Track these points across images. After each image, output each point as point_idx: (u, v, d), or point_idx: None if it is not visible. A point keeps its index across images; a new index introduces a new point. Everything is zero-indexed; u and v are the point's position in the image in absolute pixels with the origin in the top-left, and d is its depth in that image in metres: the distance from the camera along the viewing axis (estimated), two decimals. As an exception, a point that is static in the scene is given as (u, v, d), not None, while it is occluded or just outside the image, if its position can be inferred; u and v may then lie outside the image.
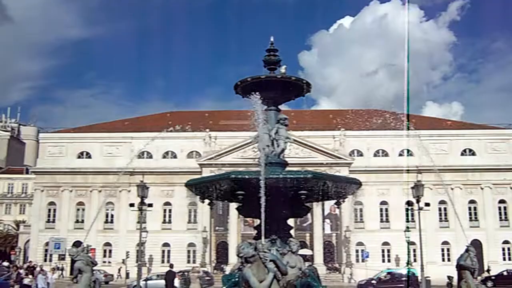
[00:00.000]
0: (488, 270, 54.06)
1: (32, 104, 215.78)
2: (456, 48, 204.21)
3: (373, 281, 44.92)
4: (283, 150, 13.67)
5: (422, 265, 36.11)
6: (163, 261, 63.60)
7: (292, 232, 14.17)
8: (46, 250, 62.35)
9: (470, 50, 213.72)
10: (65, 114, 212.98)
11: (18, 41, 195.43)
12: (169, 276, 30.19)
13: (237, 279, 11.73)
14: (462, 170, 64.33)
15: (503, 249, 65.13)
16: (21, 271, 34.34)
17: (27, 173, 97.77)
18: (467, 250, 13.49)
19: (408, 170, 61.92)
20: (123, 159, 63.04)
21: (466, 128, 69.83)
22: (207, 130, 65.42)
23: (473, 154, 66.78)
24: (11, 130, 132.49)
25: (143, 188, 36.35)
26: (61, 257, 53.30)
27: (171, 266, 33.45)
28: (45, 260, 61.01)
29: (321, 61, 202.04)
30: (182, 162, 65.88)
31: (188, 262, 62.46)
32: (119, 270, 58.40)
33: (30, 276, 29.75)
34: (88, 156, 68.32)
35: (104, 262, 62.55)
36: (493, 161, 65.54)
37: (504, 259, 64.26)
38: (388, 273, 45.50)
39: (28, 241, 70.99)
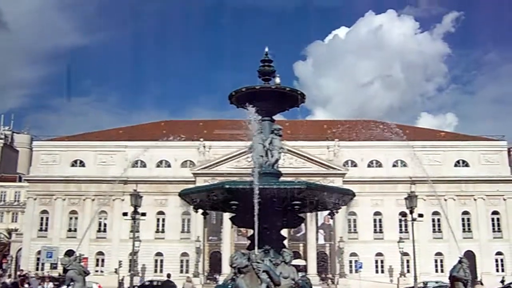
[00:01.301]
0: (481, 282, 54.06)
1: (26, 112, 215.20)
2: (451, 59, 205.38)
3: None
4: (277, 160, 13.69)
5: (415, 276, 36.15)
6: (155, 271, 63.32)
7: (285, 242, 14.16)
8: (38, 259, 61.82)
9: (464, 61, 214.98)
10: (59, 122, 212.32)
11: (13, 48, 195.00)
12: (166, 286, 30.12)
13: (230, 289, 11.71)
14: (455, 181, 64.50)
15: (496, 260, 65.21)
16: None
17: (20, 181, 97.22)
18: (460, 261, 13.51)
19: (401, 180, 62.19)
20: (117, 167, 62.83)
21: (460, 139, 70.13)
22: (201, 139, 65.40)
23: (467, 165, 67.00)
24: (5, 137, 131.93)
25: (136, 197, 36.26)
26: (53, 266, 52.94)
27: (169, 276, 33.42)
28: (37, 269, 60.50)
29: (316, 71, 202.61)
30: (176, 171, 65.76)
31: (181, 272, 62.17)
32: (123, 278, 56.34)
33: (26, 286, 29.54)
34: (82, 164, 68.09)
35: (97, 271, 62.10)
36: (487, 172, 65.77)
37: (497, 270, 64.32)
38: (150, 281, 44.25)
39: (20, 249, 70.44)
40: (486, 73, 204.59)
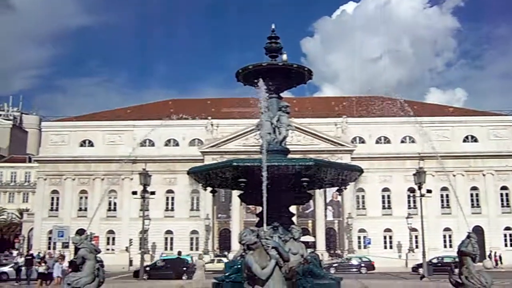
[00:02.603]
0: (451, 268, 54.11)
1: (35, 93, 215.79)
2: (460, 34, 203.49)
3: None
4: (285, 138, 13.70)
5: (424, 252, 36.30)
6: (166, 248, 63.96)
7: (294, 219, 14.25)
8: (50, 238, 62.57)
9: (474, 36, 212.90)
10: (67, 103, 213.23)
11: (21, 29, 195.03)
12: (177, 263, 30.42)
13: (239, 266, 11.84)
14: (464, 157, 64.31)
15: (505, 235, 65.31)
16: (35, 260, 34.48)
17: (29, 161, 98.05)
18: (468, 237, 13.48)
19: (410, 156, 62.07)
20: (126, 147, 63.14)
21: (468, 114, 69.69)
22: (209, 118, 65.40)
23: (475, 140, 66.72)
24: (14, 119, 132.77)
25: (145, 176, 36.45)
26: (65, 245, 53.51)
27: (179, 253, 33.74)
28: (49, 248, 61.28)
29: (324, 47, 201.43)
30: (184, 150, 65.97)
31: (191, 249, 62.76)
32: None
33: (44, 264, 29.90)
34: (91, 144, 68.42)
35: (108, 249, 62.86)
36: (495, 147, 65.49)
37: (506, 245, 64.50)
38: (163, 260, 44.74)
39: (31, 229, 71.35)
40: (496, 48, 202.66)
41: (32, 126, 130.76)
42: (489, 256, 58.12)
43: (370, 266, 48.29)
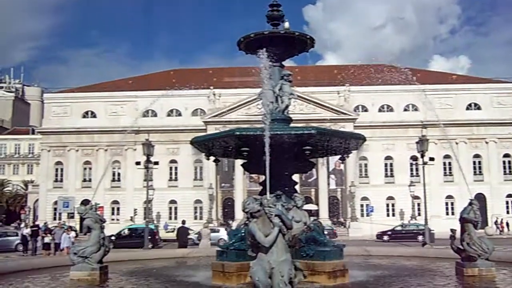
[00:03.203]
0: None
1: (36, 65, 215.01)
2: (465, 0, 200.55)
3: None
4: (287, 106, 13.68)
5: (426, 219, 36.55)
6: (170, 218, 64.52)
7: (297, 187, 14.33)
8: (55, 209, 63.16)
9: (478, 2, 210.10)
10: (69, 74, 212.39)
11: None
12: (181, 232, 30.68)
13: (243, 234, 11.97)
14: (467, 125, 64.21)
15: (507, 202, 65.64)
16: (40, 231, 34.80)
17: (33, 133, 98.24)
18: (470, 204, 13.60)
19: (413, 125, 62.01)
20: (128, 118, 63.16)
21: (472, 82, 69.27)
22: (211, 87, 65.18)
23: (479, 108, 66.50)
24: (15, 91, 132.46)
25: (148, 147, 36.51)
26: (70, 216, 54.03)
27: (183, 222, 33.99)
28: (54, 219, 61.82)
29: (326, 15, 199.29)
30: (187, 120, 65.99)
31: (195, 218, 63.31)
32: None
33: (49, 235, 30.27)
34: (93, 115, 68.45)
35: (113, 219, 63.45)
36: (499, 115, 65.30)
37: (508, 212, 64.87)
38: (129, 229, 45.17)
39: (37, 200, 71.95)
40: (501, 14, 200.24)
41: (34, 98, 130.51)
42: (495, 223, 58.68)
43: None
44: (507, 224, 59.72)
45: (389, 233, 49.43)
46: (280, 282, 7.91)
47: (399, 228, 51.01)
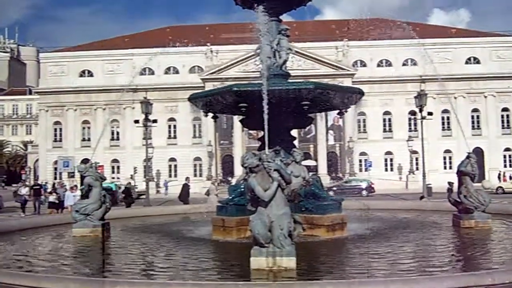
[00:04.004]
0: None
1: (30, 24, 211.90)
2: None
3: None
4: (285, 61, 13.59)
5: (424, 173, 36.81)
6: (170, 175, 64.95)
7: (295, 143, 14.40)
8: (56, 169, 63.48)
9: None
10: (64, 33, 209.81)
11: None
12: (184, 189, 31.06)
13: (242, 189, 12.10)
14: (466, 79, 63.89)
15: (504, 156, 66.04)
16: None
17: (30, 93, 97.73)
18: (468, 157, 13.71)
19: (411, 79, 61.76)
20: (125, 76, 62.71)
21: (471, 36, 68.58)
22: (208, 44, 64.55)
23: (478, 62, 66.07)
24: (11, 51, 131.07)
25: (146, 105, 36.40)
26: (70, 175, 54.31)
27: (187, 179, 34.30)
28: (55, 178, 62.22)
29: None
30: (185, 78, 65.63)
31: (195, 175, 63.70)
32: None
33: (54, 194, 30.45)
34: (90, 74, 68.01)
35: (113, 178, 63.77)
36: (497, 69, 64.90)
37: (505, 166, 65.31)
38: None
39: (37, 160, 72.27)
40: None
41: (30, 58, 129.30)
42: (498, 177, 59.25)
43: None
44: (510, 178, 60.10)
45: (335, 188, 49.16)
46: (280, 235, 8.03)
47: (343, 183, 51.15)
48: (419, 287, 6.19)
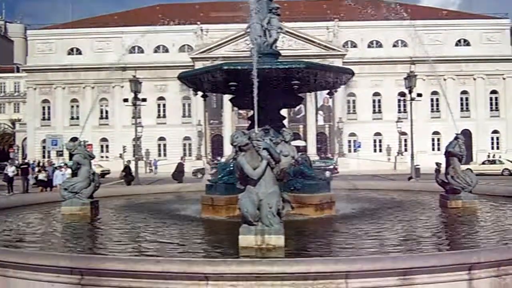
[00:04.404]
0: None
1: (17, 0, 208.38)
2: None
3: None
4: (275, 40, 13.51)
5: (412, 154, 37.07)
6: (159, 155, 64.96)
7: (285, 122, 14.40)
8: (44, 147, 63.15)
9: None
10: (52, 10, 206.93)
11: None
12: (179, 168, 31.17)
13: (231, 168, 12.12)
14: (455, 61, 64.11)
15: (492, 138, 66.61)
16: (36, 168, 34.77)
17: (18, 71, 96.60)
18: (456, 138, 13.76)
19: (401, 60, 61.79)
20: (114, 54, 62.24)
21: (462, 18, 68.68)
22: (198, 23, 64.06)
23: (468, 44, 66.24)
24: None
25: (136, 83, 36.21)
26: (59, 154, 54.04)
27: (182, 158, 34.41)
28: (44, 157, 61.96)
29: None
30: (174, 56, 65.27)
31: (184, 155, 63.61)
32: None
33: (43, 172, 30.35)
34: (79, 52, 67.38)
35: (102, 157, 63.70)
36: (487, 51, 65.15)
37: (493, 148, 65.90)
38: None
39: (25, 139, 71.79)
40: None
41: (18, 35, 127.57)
42: (488, 158, 59.70)
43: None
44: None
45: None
46: (268, 213, 8.06)
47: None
48: (406, 265, 6.25)
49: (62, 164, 30.63)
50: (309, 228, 10.74)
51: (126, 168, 33.33)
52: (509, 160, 51.30)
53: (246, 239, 8.02)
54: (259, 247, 7.91)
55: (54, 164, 32.88)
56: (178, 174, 30.50)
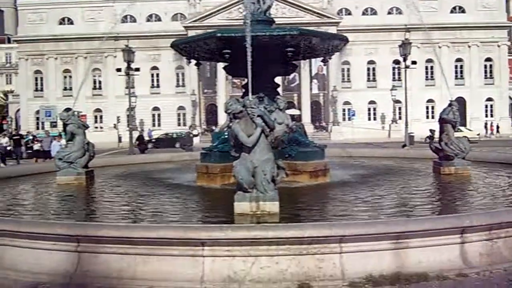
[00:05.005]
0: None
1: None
2: None
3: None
4: (269, 7, 13.37)
5: (406, 122, 37.16)
6: (154, 125, 64.76)
7: (279, 90, 14.37)
8: (38, 118, 62.95)
9: None
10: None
11: None
12: (186, 138, 31.86)
13: (226, 136, 12.13)
14: (450, 28, 63.67)
15: (486, 106, 66.71)
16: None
17: (9, 42, 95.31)
18: (450, 105, 13.78)
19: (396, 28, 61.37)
20: (106, 24, 61.46)
21: (457, -16, 67.92)
22: (191, -10, 63.27)
23: (463, 11, 65.70)
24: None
25: (128, 53, 35.90)
26: (53, 124, 53.92)
27: (191, 127, 34.79)
28: (37, 128, 61.77)
29: None
30: (167, 25, 64.51)
31: (179, 125, 63.68)
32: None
33: (37, 142, 30.28)
34: (70, 22, 66.53)
35: (96, 127, 63.55)
36: (483, 18, 64.70)
37: (486, 115, 66.08)
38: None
39: (18, 110, 71.38)
40: None
41: (7, 5, 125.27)
42: (485, 126, 60.10)
43: None
44: (497, 128, 61.03)
45: (154, 140, 48.51)
46: (263, 180, 8.11)
47: (162, 136, 49.81)
48: (398, 229, 6.33)
49: (57, 134, 30.53)
50: (303, 194, 10.84)
51: (140, 137, 34.23)
52: (468, 129, 51.72)
53: (241, 206, 8.09)
54: (254, 214, 7.99)
55: (50, 134, 32.71)
56: (188, 142, 31.62)
